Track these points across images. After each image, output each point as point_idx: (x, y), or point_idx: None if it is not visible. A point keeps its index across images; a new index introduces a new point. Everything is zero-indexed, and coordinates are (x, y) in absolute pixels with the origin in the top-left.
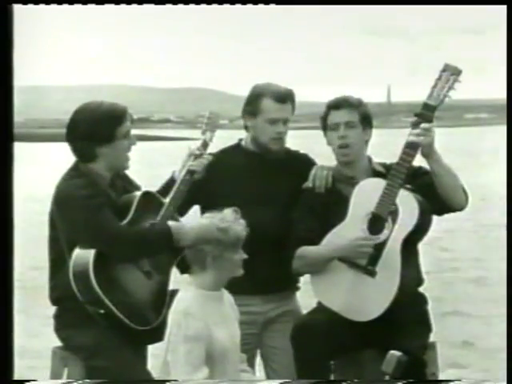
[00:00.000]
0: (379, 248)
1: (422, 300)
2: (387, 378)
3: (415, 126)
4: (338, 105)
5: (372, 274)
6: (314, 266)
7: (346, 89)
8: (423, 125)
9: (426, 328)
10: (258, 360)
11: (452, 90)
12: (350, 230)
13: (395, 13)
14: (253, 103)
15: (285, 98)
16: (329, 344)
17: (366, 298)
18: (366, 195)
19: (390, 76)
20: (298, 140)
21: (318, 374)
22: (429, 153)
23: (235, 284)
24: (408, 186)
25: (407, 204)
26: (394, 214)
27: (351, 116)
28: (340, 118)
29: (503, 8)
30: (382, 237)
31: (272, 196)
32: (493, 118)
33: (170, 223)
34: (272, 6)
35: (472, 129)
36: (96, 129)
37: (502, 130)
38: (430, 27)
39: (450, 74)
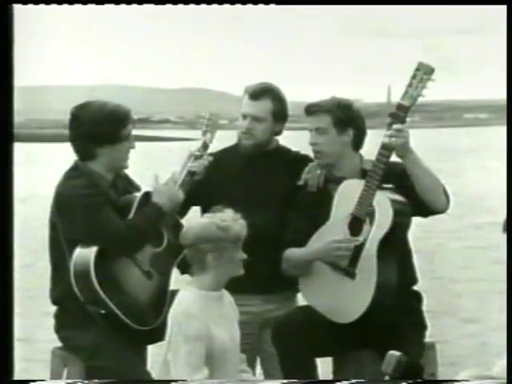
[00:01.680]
0: (358, 250)
1: (415, 299)
2: (387, 378)
3: (389, 126)
4: (309, 110)
5: (352, 275)
6: (299, 268)
7: (346, 89)
8: (395, 126)
9: (421, 327)
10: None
11: (425, 89)
12: (331, 232)
13: (395, 13)
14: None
15: (257, 94)
16: (308, 342)
17: (348, 300)
18: (347, 196)
19: (390, 76)
20: (299, 140)
21: (300, 372)
22: (403, 154)
23: (235, 283)
24: (388, 185)
25: (382, 205)
26: (371, 215)
27: (321, 122)
28: (311, 124)
29: (503, 8)
30: (360, 238)
31: (272, 195)
32: (492, 118)
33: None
34: (272, 6)
35: (472, 129)
36: (99, 129)
37: (502, 130)
38: (430, 27)
39: (423, 72)
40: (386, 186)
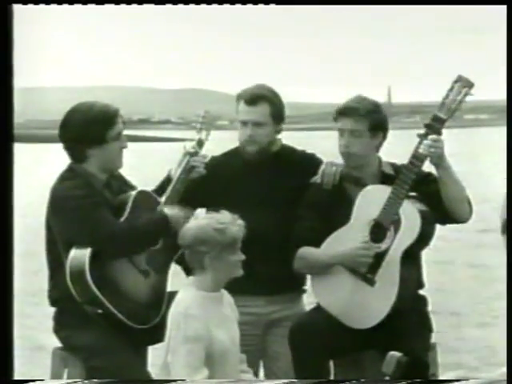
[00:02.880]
0: (380, 257)
1: (422, 302)
2: (387, 378)
3: (424, 136)
4: (345, 112)
5: (371, 282)
6: (314, 269)
7: (346, 89)
8: (432, 136)
9: (427, 329)
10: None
11: (463, 103)
12: (351, 236)
13: (395, 13)
14: (236, 105)
15: (254, 100)
16: (326, 344)
17: (364, 306)
18: (370, 201)
19: (390, 76)
20: (299, 140)
21: (316, 374)
22: (439, 162)
23: (238, 284)
24: (413, 194)
25: (410, 215)
26: (396, 223)
27: (358, 125)
28: (345, 125)
29: (503, 8)
30: (383, 246)
31: (278, 197)
32: (493, 119)
33: (167, 211)
34: (272, 6)
35: (472, 130)
36: (87, 130)
37: (502, 130)
38: (430, 27)
39: (463, 86)
40: (410, 194)
